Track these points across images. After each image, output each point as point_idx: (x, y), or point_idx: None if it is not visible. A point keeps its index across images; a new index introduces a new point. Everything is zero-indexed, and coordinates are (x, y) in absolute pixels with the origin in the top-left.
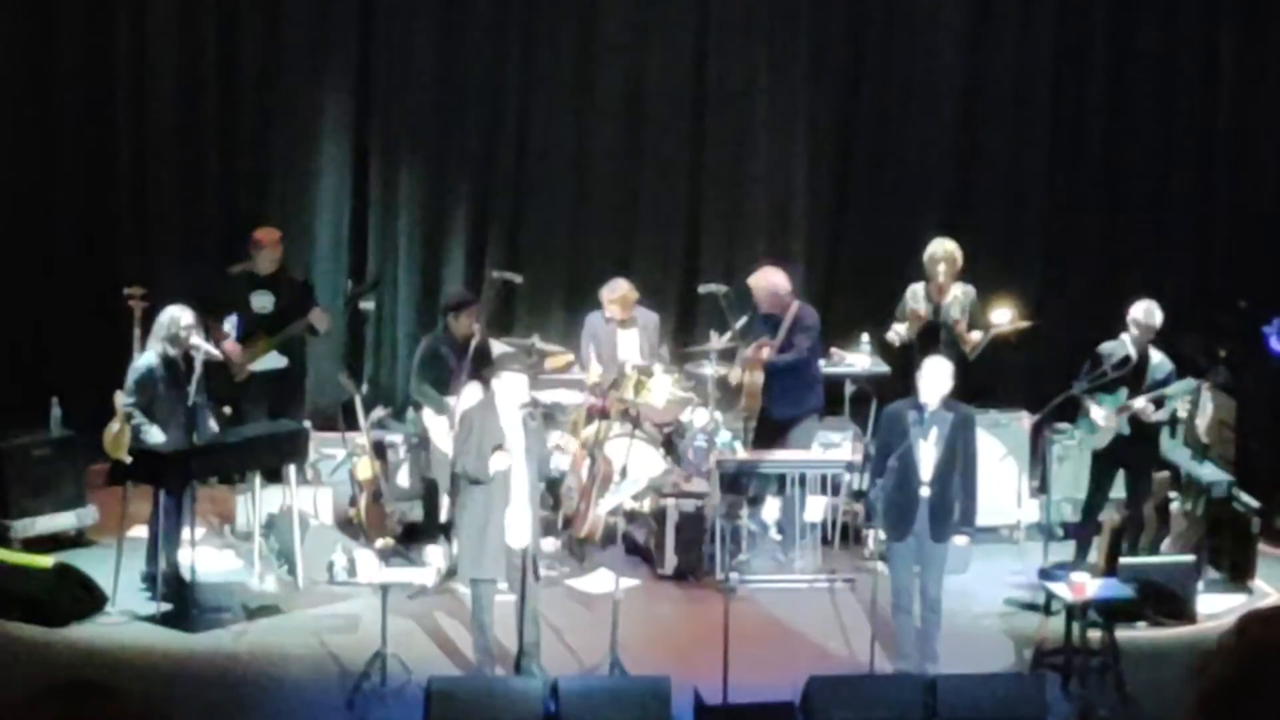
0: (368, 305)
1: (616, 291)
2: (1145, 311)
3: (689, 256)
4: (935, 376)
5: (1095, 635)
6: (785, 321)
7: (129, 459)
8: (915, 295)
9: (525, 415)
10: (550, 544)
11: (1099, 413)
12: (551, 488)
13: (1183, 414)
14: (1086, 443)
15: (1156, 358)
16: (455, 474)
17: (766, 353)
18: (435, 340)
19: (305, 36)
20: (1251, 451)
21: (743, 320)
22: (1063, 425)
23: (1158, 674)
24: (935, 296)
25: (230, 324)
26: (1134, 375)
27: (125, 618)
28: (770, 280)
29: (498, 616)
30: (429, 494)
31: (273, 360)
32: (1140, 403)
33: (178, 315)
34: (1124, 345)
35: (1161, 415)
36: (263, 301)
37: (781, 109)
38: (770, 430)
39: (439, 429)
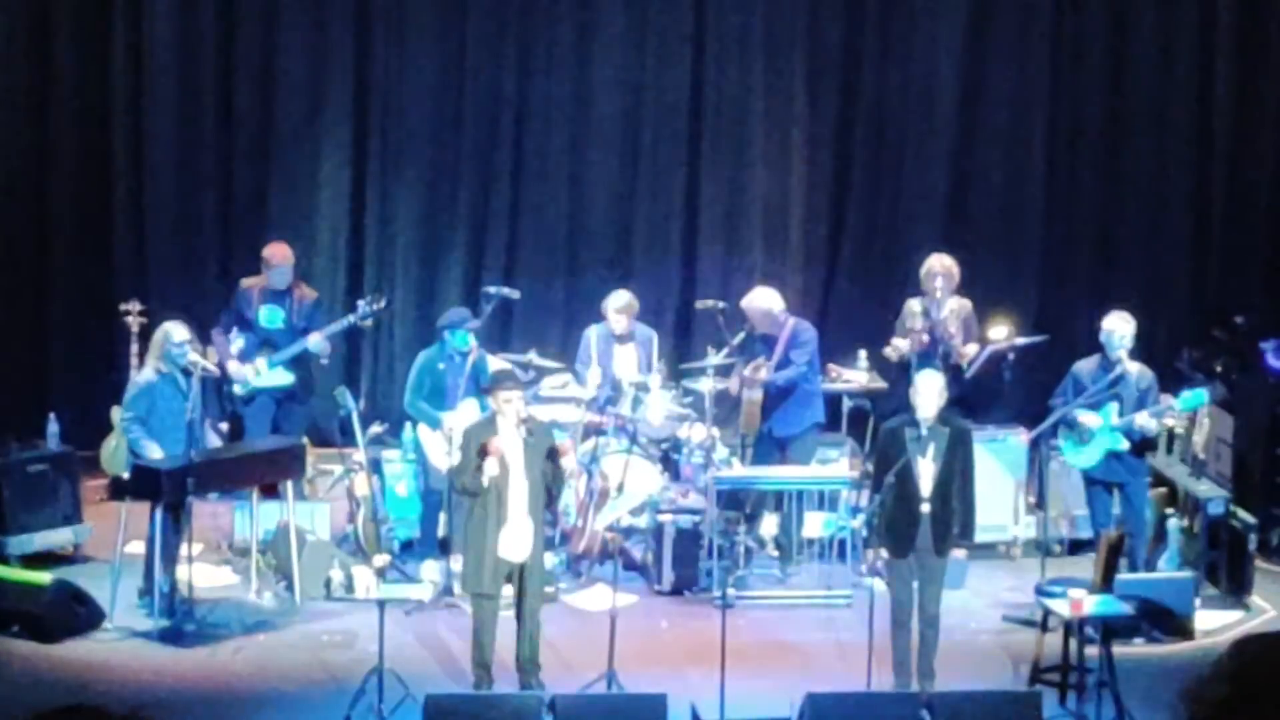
0: (365, 322)
1: (621, 300)
2: (1122, 320)
3: (686, 272)
4: (928, 390)
5: (1092, 651)
6: (781, 339)
7: (126, 475)
8: (912, 310)
9: (524, 431)
10: (548, 560)
11: (1092, 419)
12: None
13: (1180, 430)
14: (1075, 461)
15: (1135, 368)
16: (454, 490)
17: (764, 373)
18: (432, 356)
19: (303, 50)
20: (1248, 467)
21: (740, 336)
22: (1057, 442)
23: (1155, 691)
24: (932, 311)
25: (236, 339)
26: (1119, 390)
27: (122, 634)
28: (763, 301)
29: (499, 631)
30: (426, 509)
31: (279, 378)
32: (1144, 417)
33: (173, 331)
34: (1105, 362)
35: (1155, 428)
36: (272, 316)
37: (778, 124)
38: (770, 447)
39: (434, 445)
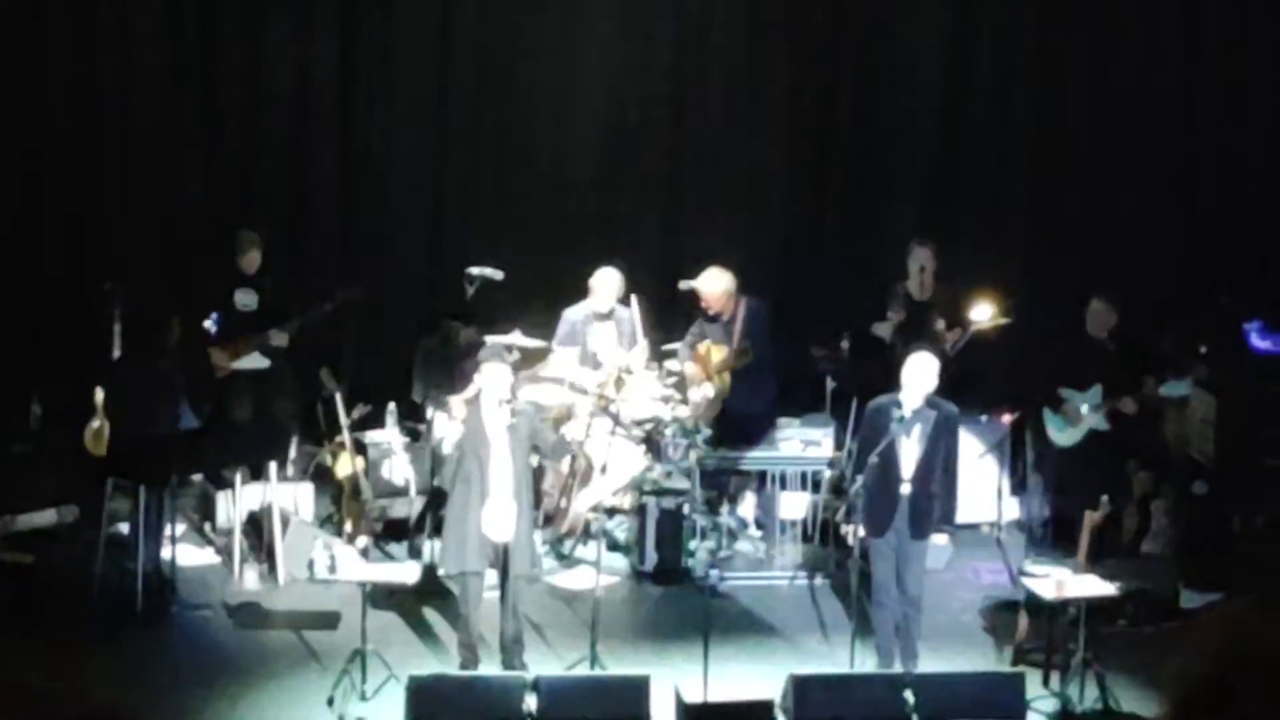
0: (328, 308)
1: (613, 278)
2: (1103, 302)
3: (669, 253)
4: (918, 374)
5: (1075, 632)
6: (738, 319)
7: (110, 455)
8: (895, 293)
9: (508, 412)
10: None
11: (1077, 400)
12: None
13: (1167, 411)
14: (1059, 439)
15: (1120, 350)
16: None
17: (746, 358)
18: (435, 343)
19: (290, 33)
20: (1232, 448)
21: (696, 324)
22: (1041, 422)
23: (1137, 671)
24: (915, 293)
25: (210, 322)
26: (1107, 370)
27: (106, 614)
28: (723, 282)
29: (485, 612)
30: (435, 496)
31: (255, 360)
32: (1125, 400)
33: (161, 313)
34: (1089, 343)
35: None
36: (246, 300)
37: (761, 105)
38: (733, 425)
39: (446, 429)
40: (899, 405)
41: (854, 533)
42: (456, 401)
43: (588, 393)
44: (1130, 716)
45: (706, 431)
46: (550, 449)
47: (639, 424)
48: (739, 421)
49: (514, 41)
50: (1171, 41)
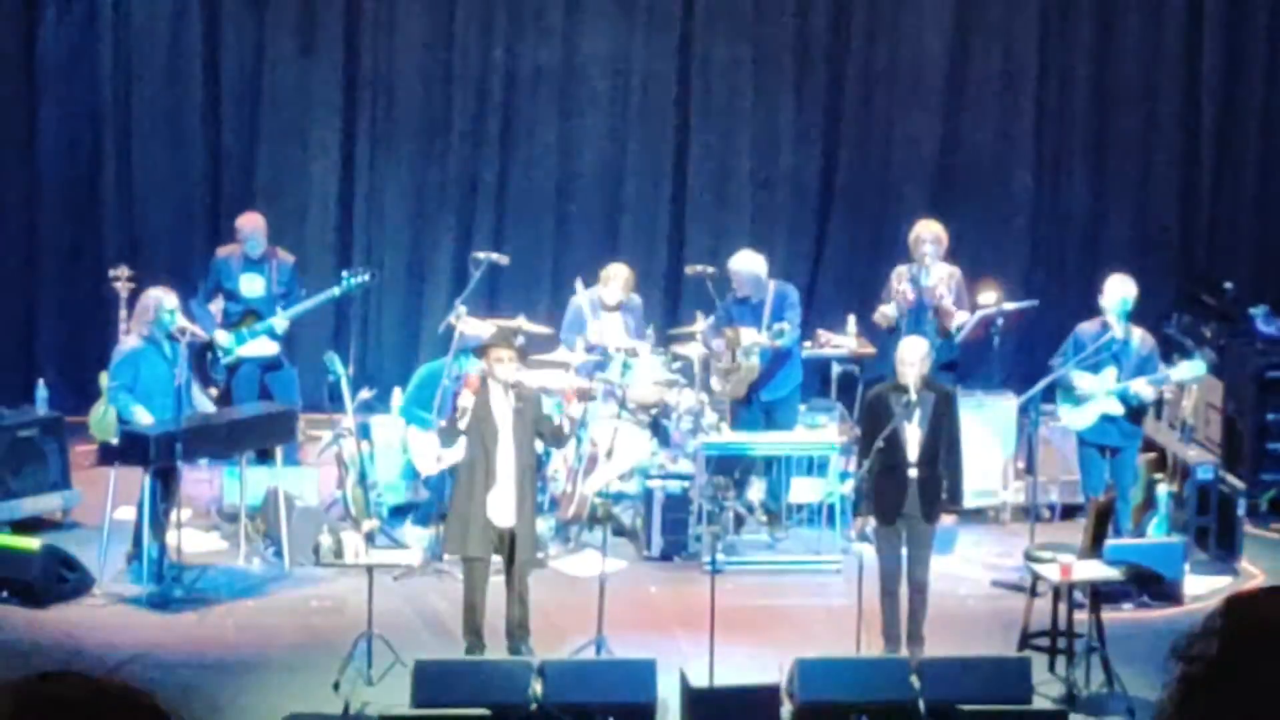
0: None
1: (622, 275)
2: (1119, 283)
3: (675, 238)
4: (913, 356)
5: (1081, 617)
6: (767, 302)
7: (116, 440)
8: (901, 277)
9: (514, 397)
10: (540, 525)
11: (1088, 381)
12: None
13: (1169, 395)
14: (1070, 422)
15: (1138, 335)
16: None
17: (784, 339)
18: (438, 370)
19: (292, 18)
20: (1237, 433)
21: (719, 308)
22: (1049, 407)
23: (1144, 656)
24: (920, 278)
25: (215, 306)
26: (1118, 355)
27: (111, 599)
28: (753, 264)
29: (491, 597)
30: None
31: (264, 347)
32: (1140, 384)
33: (161, 297)
34: (1108, 326)
35: (1152, 395)
36: (252, 284)
37: (766, 90)
38: (755, 411)
39: (422, 449)
40: (899, 390)
41: (864, 521)
42: (471, 379)
43: (592, 378)
44: (1136, 700)
45: (713, 417)
46: (552, 436)
47: (645, 409)
48: (763, 409)
49: (518, 28)
50: (1174, 26)
